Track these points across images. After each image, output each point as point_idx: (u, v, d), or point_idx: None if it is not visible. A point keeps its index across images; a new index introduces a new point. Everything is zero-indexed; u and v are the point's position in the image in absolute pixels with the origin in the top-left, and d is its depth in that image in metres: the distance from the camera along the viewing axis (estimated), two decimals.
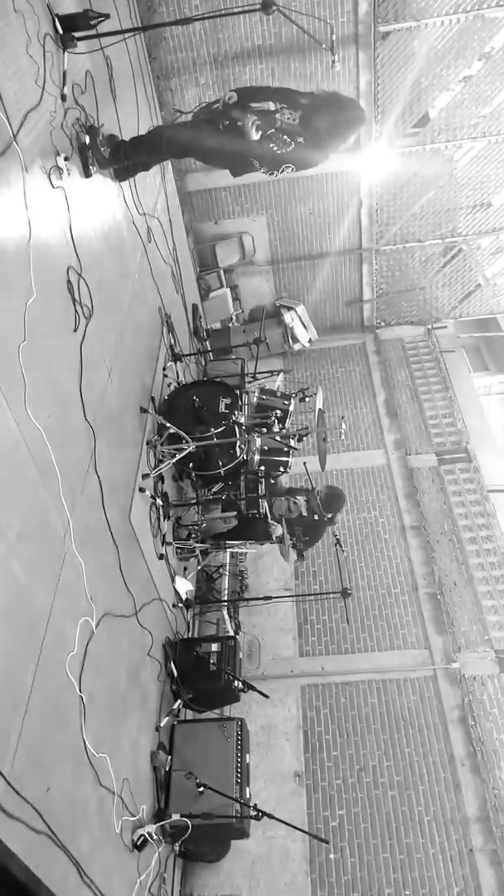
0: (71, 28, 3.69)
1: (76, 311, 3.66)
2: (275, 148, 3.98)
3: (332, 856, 5.18)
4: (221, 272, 8.60)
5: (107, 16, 3.88)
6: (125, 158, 4.44)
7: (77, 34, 3.73)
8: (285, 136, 3.97)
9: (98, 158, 4.12)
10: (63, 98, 3.69)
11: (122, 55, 5.27)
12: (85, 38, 3.83)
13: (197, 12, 6.39)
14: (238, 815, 4.30)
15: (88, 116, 4.09)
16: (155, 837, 3.99)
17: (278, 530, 5.25)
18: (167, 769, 4.50)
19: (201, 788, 4.24)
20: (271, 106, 4.06)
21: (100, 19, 3.81)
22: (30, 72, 3.28)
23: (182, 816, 4.19)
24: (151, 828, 3.97)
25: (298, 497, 5.43)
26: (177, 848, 4.54)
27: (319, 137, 4.04)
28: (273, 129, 3.96)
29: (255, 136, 3.97)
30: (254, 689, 4.93)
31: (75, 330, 3.66)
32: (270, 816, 4.13)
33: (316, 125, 4.01)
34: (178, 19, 4.27)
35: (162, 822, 4.15)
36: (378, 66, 6.90)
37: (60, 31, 3.63)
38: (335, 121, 4.02)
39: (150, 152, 4.53)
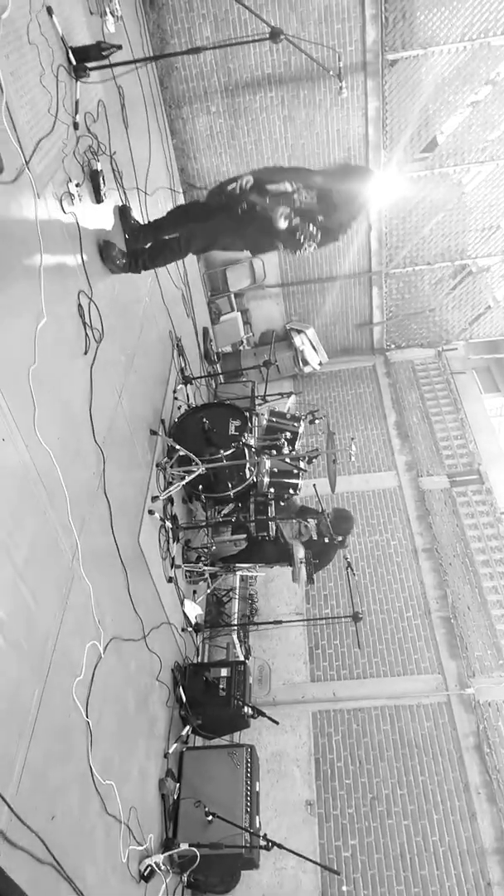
0: (84, 59, 3.76)
1: (87, 334, 3.68)
2: (302, 240, 3.96)
3: (344, 888, 5.06)
4: (232, 296, 8.67)
5: (119, 47, 3.95)
6: (143, 267, 4.52)
7: (90, 64, 3.81)
8: (311, 226, 3.94)
9: (111, 268, 4.22)
10: (75, 126, 3.76)
11: (134, 84, 5.37)
12: (97, 69, 3.91)
13: (208, 42, 6.51)
14: (248, 845, 4.21)
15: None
16: (163, 868, 3.91)
17: (301, 552, 5.20)
18: (175, 797, 4.43)
19: (210, 817, 4.16)
20: (288, 187, 4.05)
21: (112, 50, 3.88)
22: (43, 101, 3.34)
23: (190, 846, 4.11)
24: (159, 857, 3.89)
25: (309, 519, 5.39)
26: (185, 879, 4.44)
27: (338, 212, 4.03)
28: (298, 219, 3.93)
29: (283, 225, 3.93)
30: (264, 715, 4.85)
31: (85, 353, 3.68)
32: (281, 847, 4.04)
33: (333, 201, 4.00)
34: (189, 49, 4.34)
35: (170, 852, 4.07)
36: (386, 92, 6.99)
37: (74, 62, 3.71)
38: (350, 192, 4.01)
39: (168, 258, 4.63)
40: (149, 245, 4.55)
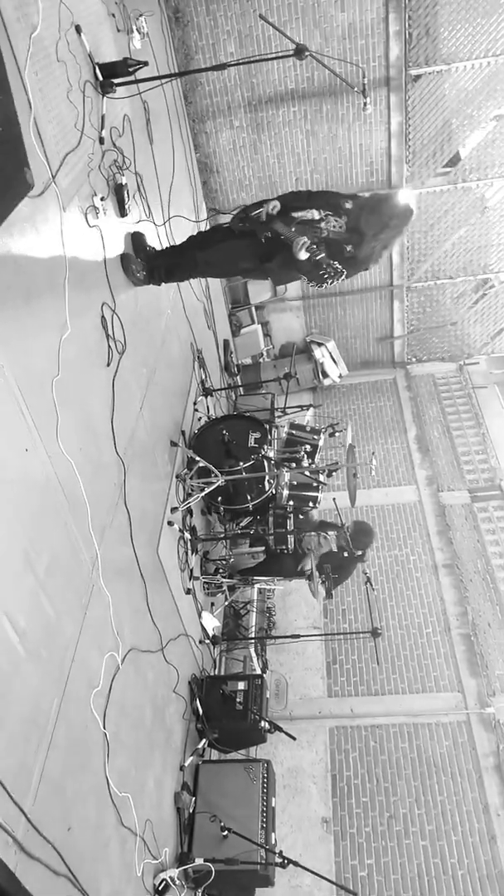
0: (110, 75, 3.83)
1: (109, 346, 3.71)
2: (325, 276, 3.72)
3: None
4: (253, 309, 8.70)
5: (145, 63, 4.02)
6: (162, 280, 4.52)
7: (116, 80, 3.86)
8: (336, 264, 3.70)
9: (132, 280, 4.23)
10: (101, 141, 3.81)
11: (159, 99, 5.44)
12: (124, 84, 3.97)
13: (232, 58, 6.59)
14: (263, 861, 4.16)
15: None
16: (177, 882, 3.88)
17: (307, 563, 5.17)
18: (191, 811, 4.40)
19: (226, 832, 4.13)
20: (315, 215, 3.91)
21: (138, 66, 3.94)
22: (70, 116, 3.40)
23: (205, 861, 4.08)
24: (174, 872, 3.86)
25: (329, 532, 5.36)
26: (199, 894, 4.40)
27: (368, 243, 3.86)
28: (323, 255, 3.69)
29: (303, 256, 3.72)
30: (281, 730, 4.81)
31: (108, 365, 3.71)
32: (297, 864, 4.00)
33: (363, 230, 3.84)
34: (214, 65, 4.38)
35: (185, 867, 4.04)
36: (409, 107, 7.01)
37: (100, 78, 3.77)
38: (382, 223, 3.82)
39: (185, 276, 4.59)
40: (169, 257, 4.52)
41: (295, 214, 3.93)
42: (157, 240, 4.86)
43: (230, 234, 4.22)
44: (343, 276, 3.79)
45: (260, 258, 4.09)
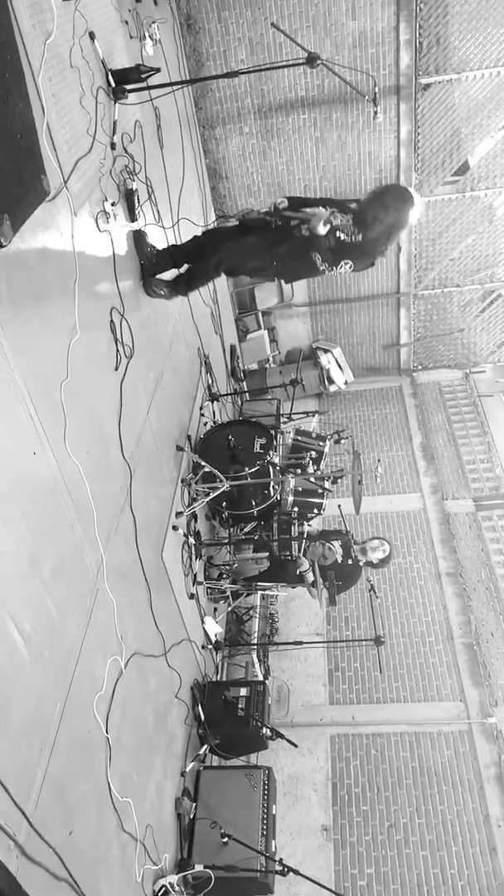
0: (123, 81, 3.84)
1: (118, 350, 3.72)
2: (342, 237, 3.89)
3: None
4: (260, 314, 8.72)
5: (157, 70, 4.03)
6: (186, 293, 4.67)
7: (128, 87, 3.88)
8: (353, 226, 3.90)
9: (155, 297, 4.37)
10: (113, 146, 3.83)
11: (170, 105, 5.46)
12: (136, 90, 3.99)
13: (243, 65, 6.62)
14: (263, 869, 4.15)
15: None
16: (177, 888, 3.87)
17: (308, 572, 5.15)
18: (191, 817, 4.39)
19: (226, 839, 4.11)
20: (323, 210, 4.02)
21: (150, 73, 3.96)
22: (82, 122, 3.41)
23: (205, 867, 4.06)
24: (173, 878, 3.85)
25: (334, 542, 5.34)
26: None
27: (373, 228, 3.93)
28: (339, 220, 3.91)
29: (323, 230, 3.89)
30: (282, 736, 4.80)
31: (116, 369, 3.72)
32: (296, 872, 3.98)
33: (369, 219, 3.91)
34: (226, 73, 4.40)
35: (184, 873, 4.03)
36: (419, 116, 7.04)
37: (113, 84, 3.79)
38: (384, 206, 3.89)
39: (203, 281, 4.70)
40: (185, 269, 4.58)
41: (304, 209, 4.06)
42: (164, 242, 4.87)
43: (238, 227, 4.35)
44: (351, 266, 3.95)
45: (270, 245, 4.14)
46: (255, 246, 4.22)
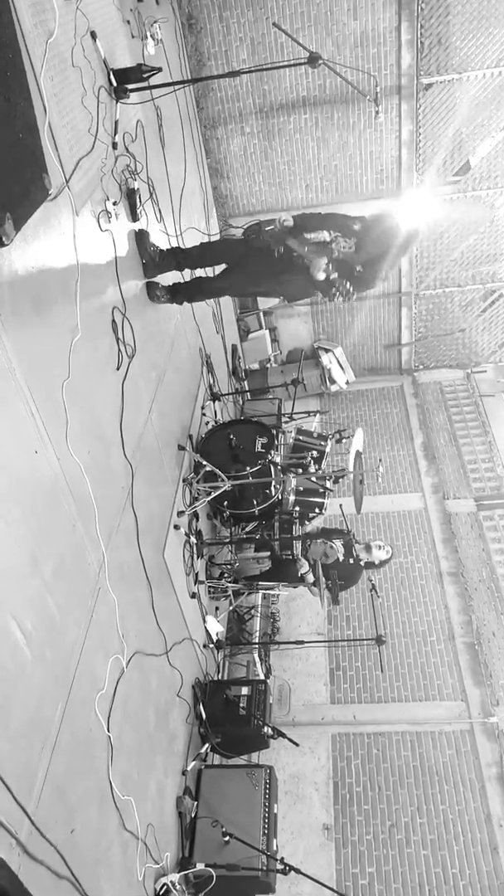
0: (124, 81, 3.85)
1: (120, 350, 3.73)
2: (337, 294, 4.00)
3: None
4: (261, 314, 8.72)
5: (159, 69, 4.03)
6: (182, 301, 4.70)
7: (130, 86, 3.89)
8: (347, 283, 3.98)
9: (156, 301, 4.43)
10: (114, 146, 3.83)
11: (172, 105, 5.46)
12: (137, 90, 3.99)
13: (244, 65, 6.62)
14: (264, 867, 4.15)
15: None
16: (178, 887, 3.87)
17: (308, 573, 5.15)
18: (192, 815, 4.39)
19: (227, 838, 4.12)
20: (326, 236, 4.06)
21: (152, 73, 3.96)
22: (84, 121, 3.42)
23: (207, 866, 4.07)
24: (175, 877, 3.85)
25: (335, 541, 5.34)
26: None
27: (376, 263, 4.03)
28: (336, 274, 3.98)
29: (321, 277, 3.99)
30: (284, 735, 4.81)
31: (118, 368, 3.72)
32: (298, 871, 3.99)
33: (371, 250, 4.00)
34: (227, 72, 4.41)
35: (186, 872, 4.03)
36: (420, 116, 7.03)
37: (114, 84, 3.79)
38: (389, 243, 3.98)
39: (206, 298, 4.83)
40: (189, 280, 4.66)
41: (308, 235, 4.06)
42: (166, 244, 4.88)
43: (242, 248, 4.35)
44: (352, 296, 4.02)
45: (275, 273, 4.20)
46: (259, 274, 4.33)
